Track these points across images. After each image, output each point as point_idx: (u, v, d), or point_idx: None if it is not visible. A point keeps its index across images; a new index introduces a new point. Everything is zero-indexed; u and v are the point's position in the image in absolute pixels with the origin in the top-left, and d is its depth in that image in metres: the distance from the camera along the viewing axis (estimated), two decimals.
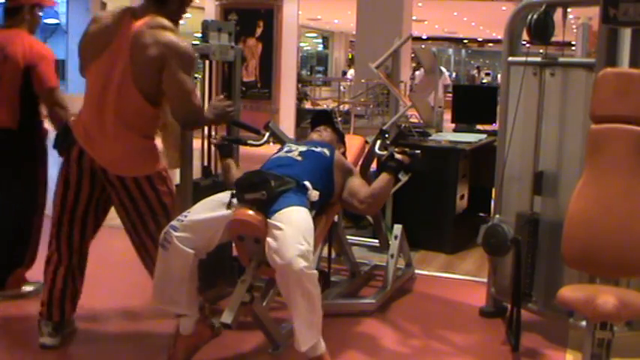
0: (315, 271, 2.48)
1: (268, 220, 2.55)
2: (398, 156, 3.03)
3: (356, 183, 3.04)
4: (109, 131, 2.68)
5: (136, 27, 2.64)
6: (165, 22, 2.66)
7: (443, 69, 14.59)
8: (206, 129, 3.44)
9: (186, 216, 2.63)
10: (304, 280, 2.43)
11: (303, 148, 2.98)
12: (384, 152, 3.21)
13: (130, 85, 2.63)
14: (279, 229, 2.49)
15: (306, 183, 2.74)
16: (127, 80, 2.63)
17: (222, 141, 3.26)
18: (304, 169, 2.82)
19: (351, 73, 20.53)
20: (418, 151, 3.12)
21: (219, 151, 3.23)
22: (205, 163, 3.50)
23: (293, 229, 2.50)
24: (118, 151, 2.70)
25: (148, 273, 2.84)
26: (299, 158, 2.90)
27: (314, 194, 2.73)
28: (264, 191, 2.59)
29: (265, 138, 3.45)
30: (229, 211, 2.63)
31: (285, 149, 3.02)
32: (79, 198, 2.78)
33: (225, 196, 2.71)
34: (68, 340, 2.93)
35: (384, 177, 2.99)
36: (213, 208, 2.66)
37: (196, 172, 3.27)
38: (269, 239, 2.50)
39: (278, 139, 3.56)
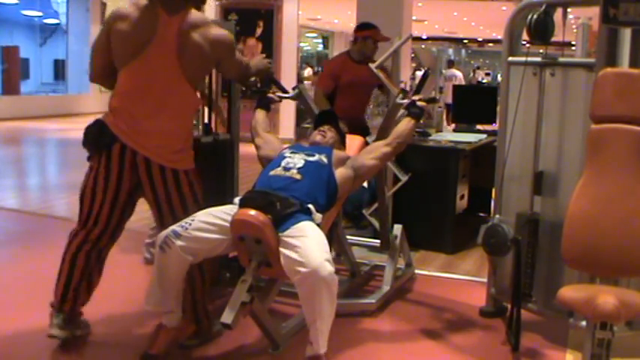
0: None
1: (280, 234, 2.58)
2: (420, 102, 3.25)
3: (365, 148, 3.22)
4: (156, 124, 2.74)
5: (179, 27, 2.70)
6: (203, 16, 2.82)
7: (456, 71, 14.61)
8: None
9: (190, 224, 2.63)
10: (332, 285, 2.47)
11: (300, 163, 2.93)
12: (405, 100, 3.32)
13: (181, 78, 2.74)
14: (299, 239, 2.52)
15: (310, 206, 2.75)
16: (177, 75, 2.73)
17: (261, 89, 3.47)
18: (306, 189, 2.82)
19: (308, 71, 20.07)
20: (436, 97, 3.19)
21: (258, 100, 3.46)
22: (206, 121, 3.63)
23: (312, 239, 2.54)
24: (164, 140, 2.76)
25: None
26: (298, 177, 2.86)
27: (317, 217, 2.75)
28: (270, 215, 2.60)
29: (293, 93, 3.60)
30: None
31: (283, 164, 2.96)
32: (121, 190, 2.80)
33: (231, 208, 2.71)
34: (80, 339, 2.93)
35: (408, 121, 3.19)
36: (218, 225, 2.66)
37: None
38: (286, 252, 2.52)
39: (303, 99, 3.67)
